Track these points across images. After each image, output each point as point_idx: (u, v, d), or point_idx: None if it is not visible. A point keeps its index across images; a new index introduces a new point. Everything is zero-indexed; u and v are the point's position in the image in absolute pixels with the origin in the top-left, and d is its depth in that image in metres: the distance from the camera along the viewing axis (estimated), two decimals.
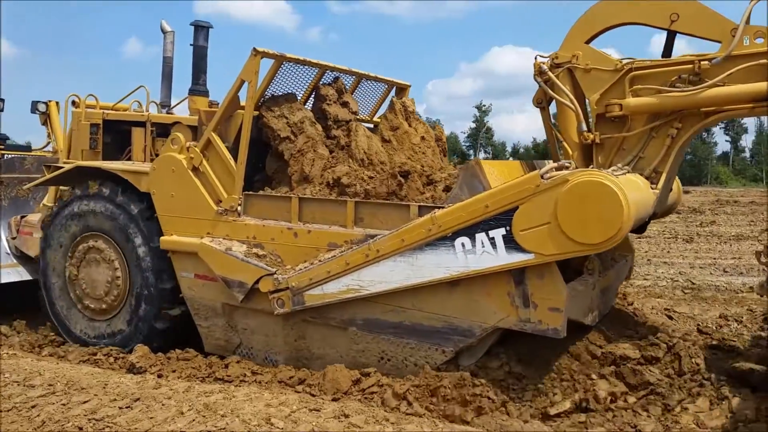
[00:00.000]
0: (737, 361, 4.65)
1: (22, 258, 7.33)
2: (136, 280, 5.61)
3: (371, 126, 6.55)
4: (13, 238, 7.38)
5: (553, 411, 4.12)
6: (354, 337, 4.68)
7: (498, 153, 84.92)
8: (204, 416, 3.70)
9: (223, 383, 4.70)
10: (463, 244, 4.10)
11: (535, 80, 4.89)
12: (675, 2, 4.42)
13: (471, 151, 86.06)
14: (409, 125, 6.12)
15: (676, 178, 5.46)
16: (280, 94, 5.62)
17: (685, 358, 4.58)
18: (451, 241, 4.14)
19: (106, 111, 7.12)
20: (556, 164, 4.00)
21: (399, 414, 3.98)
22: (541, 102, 5.10)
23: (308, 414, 3.75)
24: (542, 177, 3.83)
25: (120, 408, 3.86)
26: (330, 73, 6.05)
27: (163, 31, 8.20)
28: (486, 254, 4.04)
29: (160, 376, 4.84)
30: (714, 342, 5.35)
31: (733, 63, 4.17)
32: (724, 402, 4.20)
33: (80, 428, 3.62)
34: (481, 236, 4.04)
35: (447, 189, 4.83)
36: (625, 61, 4.54)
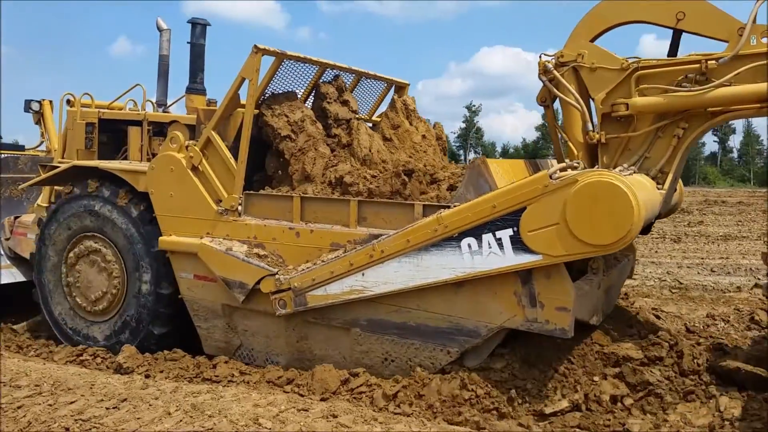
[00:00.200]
0: (724, 360, 4.65)
1: (16, 259, 7.22)
2: (133, 282, 5.52)
3: (370, 125, 6.50)
4: (7, 239, 7.27)
5: (548, 410, 4.10)
6: (357, 338, 4.63)
7: (488, 153, 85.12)
8: (191, 417, 3.68)
9: (210, 383, 4.67)
10: (469, 245, 4.06)
11: (540, 79, 4.86)
12: (681, 1, 4.40)
13: (461, 152, 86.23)
14: (410, 124, 6.08)
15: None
16: (280, 92, 5.56)
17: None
18: (457, 242, 4.09)
19: (101, 110, 7.03)
20: (565, 164, 3.96)
21: (387, 414, 3.97)
22: (545, 100, 5.07)
23: (296, 414, 3.74)
24: (551, 177, 3.78)
25: (107, 408, 3.84)
26: (330, 71, 6.00)
27: (159, 29, 8.11)
28: (493, 255, 4.00)
29: (147, 377, 4.82)
30: (701, 340, 5.36)
31: (741, 62, 4.16)
32: (711, 401, 4.21)
33: (67, 429, 3.60)
34: (488, 237, 4.00)
35: (451, 188, 4.78)
36: (631, 60, 4.51)
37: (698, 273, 10.30)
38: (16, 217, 7.26)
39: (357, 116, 6.10)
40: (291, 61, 5.39)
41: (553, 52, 4.80)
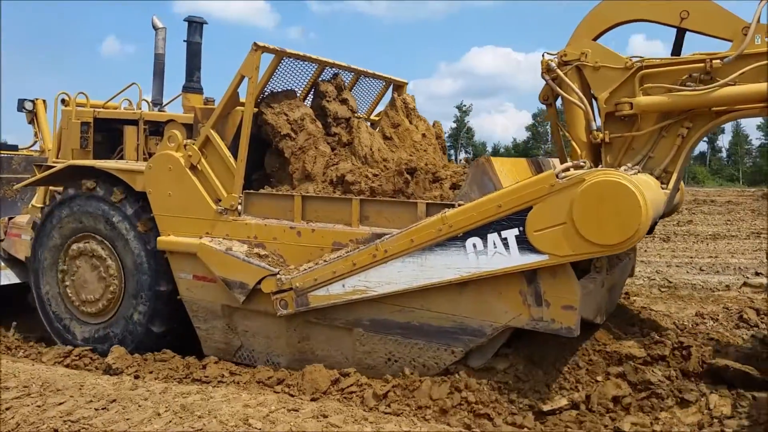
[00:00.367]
0: (713, 358, 4.66)
1: (10, 261, 7.12)
2: (130, 282, 5.46)
3: (369, 123, 6.46)
4: (1, 241, 7.17)
5: (546, 407, 4.08)
6: (360, 339, 4.59)
7: (479, 153, 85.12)
8: (181, 417, 3.66)
9: (200, 384, 4.64)
10: (474, 245, 4.02)
11: (543, 78, 4.83)
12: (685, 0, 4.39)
13: (452, 151, 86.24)
14: (410, 122, 6.04)
15: None
16: (279, 90, 5.51)
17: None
18: (462, 242, 4.06)
19: (96, 109, 6.95)
20: (570, 163, 3.93)
21: (378, 413, 3.95)
22: (548, 99, 5.05)
23: (286, 414, 3.72)
24: (558, 176, 3.75)
25: (96, 409, 3.82)
26: (329, 69, 5.96)
27: (155, 28, 8.02)
28: (498, 255, 3.96)
29: (136, 377, 4.79)
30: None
31: (745, 62, 4.16)
32: (702, 398, 4.21)
33: (55, 430, 3.57)
34: (493, 237, 3.96)
35: (454, 187, 4.75)
36: (634, 59, 4.50)
37: (687, 272, 10.33)
38: (10, 218, 7.16)
39: (356, 115, 6.06)
40: (290, 59, 5.35)
41: (548, 51, 4.79)
